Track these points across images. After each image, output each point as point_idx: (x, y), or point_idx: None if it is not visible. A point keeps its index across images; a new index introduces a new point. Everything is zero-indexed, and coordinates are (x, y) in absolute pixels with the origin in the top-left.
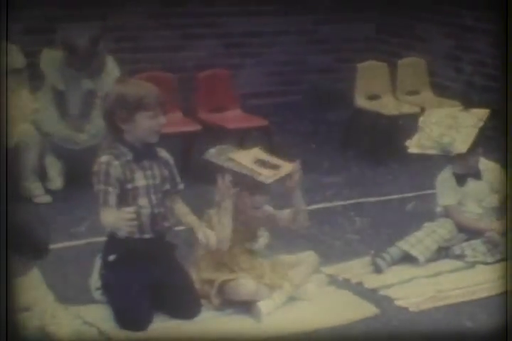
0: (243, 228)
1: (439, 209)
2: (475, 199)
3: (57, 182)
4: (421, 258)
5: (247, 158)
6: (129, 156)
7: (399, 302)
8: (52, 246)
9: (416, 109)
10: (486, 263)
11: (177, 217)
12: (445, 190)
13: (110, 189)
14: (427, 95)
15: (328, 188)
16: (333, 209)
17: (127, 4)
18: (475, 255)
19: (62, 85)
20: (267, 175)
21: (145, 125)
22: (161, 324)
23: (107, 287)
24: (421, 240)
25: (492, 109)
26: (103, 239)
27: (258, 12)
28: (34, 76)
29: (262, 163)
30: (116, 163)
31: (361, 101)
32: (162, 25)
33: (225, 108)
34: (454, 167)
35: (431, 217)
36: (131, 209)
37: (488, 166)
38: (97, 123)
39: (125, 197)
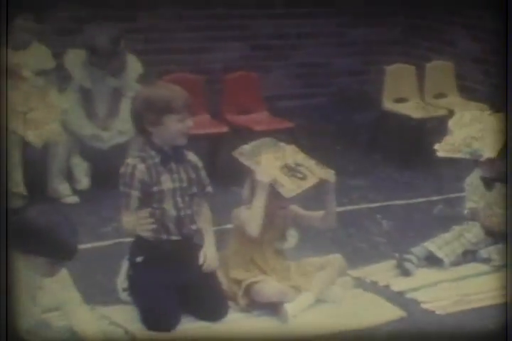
0: (272, 228)
1: (466, 213)
2: (503, 203)
3: (84, 182)
4: (446, 260)
5: (275, 163)
6: (157, 159)
7: (425, 306)
8: (79, 247)
9: (443, 112)
10: None
11: (198, 221)
12: (473, 193)
13: (133, 192)
14: (455, 98)
15: (355, 191)
16: (359, 211)
17: (156, 6)
18: (502, 259)
19: (89, 83)
20: (289, 189)
21: (173, 128)
22: (187, 325)
23: (134, 288)
24: (448, 242)
25: None
26: (130, 239)
27: (285, 14)
28: (62, 77)
29: (290, 170)
30: (141, 165)
31: (389, 104)
32: (189, 27)
33: (251, 110)
34: (481, 171)
35: (458, 220)
36: (146, 211)
37: None
38: (123, 121)
39: (150, 200)
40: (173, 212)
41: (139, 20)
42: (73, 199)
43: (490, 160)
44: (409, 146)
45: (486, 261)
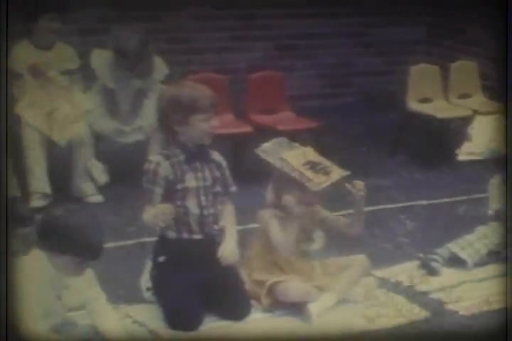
0: (298, 229)
1: (490, 213)
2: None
3: (107, 182)
4: (469, 261)
5: (298, 160)
6: (181, 157)
7: (449, 306)
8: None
9: (468, 113)
10: None
11: (221, 219)
12: (497, 194)
13: (156, 189)
14: (479, 98)
15: (379, 191)
16: (383, 212)
17: (180, 6)
18: None
19: (113, 84)
20: (316, 182)
21: (199, 127)
22: (210, 324)
23: (157, 287)
24: (471, 243)
25: None
26: (154, 239)
27: (309, 14)
28: (86, 76)
29: (313, 166)
30: (166, 163)
31: (413, 104)
32: (214, 27)
33: (276, 110)
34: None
35: (482, 220)
36: (165, 205)
37: None
38: (144, 118)
39: (173, 198)
40: (196, 211)
41: (163, 21)
42: (97, 198)
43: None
44: (433, 147)
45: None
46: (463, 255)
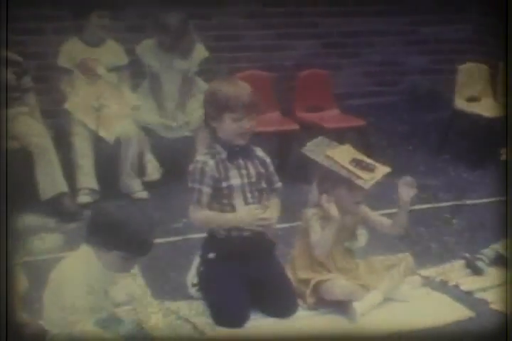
0: (342, 227)
1: None
2: None
3: (154, 177)
4: None
5: (343, 157)
6: (224, 155)
7: (494, 306)
8: None
9: None
10: None
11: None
12: None
13: (204, 189)
14: None
15: (425, 190)
16: (429, 211)
17: (228, 4)
18: None
19: (158, 65)
20: (365, 179)
21: (230, 126)
22: (256, 321)
23: (204, 284)
24: None
25: None
26: (200, 235)
27: (357, 12)
28: (135, 73)
29: (358, 163)
30: (211, 161)
31: (460, 103)
32: (261, 24)
33: (322, 107)
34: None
35: None
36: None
37: None
38: (191, 112)
39: (220, 196)
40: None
41: (211, 18)
42: (143, 194)
43: None
44: (480, 146)
45: None
46: (509, 255)
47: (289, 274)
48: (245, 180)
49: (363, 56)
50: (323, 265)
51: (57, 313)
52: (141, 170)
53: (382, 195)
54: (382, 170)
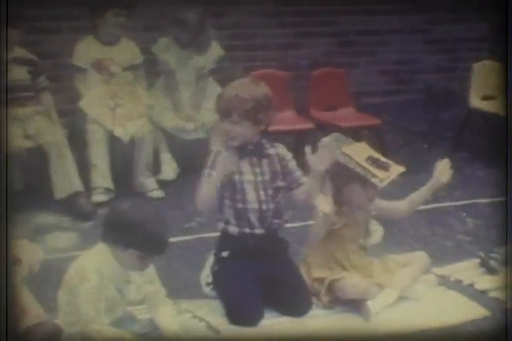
0: (355, 224)
1: None
2: None
3: (170, 176)
4: None
5: (359, 155)
6: (237, 151)
7: (510, 305)
8: None
9: None
10: None
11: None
12: None
13: (214, 173)
14: None
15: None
16: (444, 209)
17: (243, 3)
18: None
19: (174, 62)
20: (381, 178)
21: (224, 128)
22: (271, 320)
23: (219, 283)
24: None
25: None
26: (214, 234)
27: (372, 11)
28: (150, 72)
29: (374, 162)
30: (225, 153)
31: (476, 102)
32: (276, 23)
33: (338, 106)
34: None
35: None
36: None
37: None
38: (205, 113)
39: (233, 191)
40: (254, 205)
41: (226, 17)
42: (159, 193)
43: None
44: (495, 144)
45: None
46: None
47: (303, 273)
48: (258, 178)
49: (379, 54)
50: (339, 262)
51: (73, 312)
52: (156, 169)
53: (396, 193)
54: (397, 169)
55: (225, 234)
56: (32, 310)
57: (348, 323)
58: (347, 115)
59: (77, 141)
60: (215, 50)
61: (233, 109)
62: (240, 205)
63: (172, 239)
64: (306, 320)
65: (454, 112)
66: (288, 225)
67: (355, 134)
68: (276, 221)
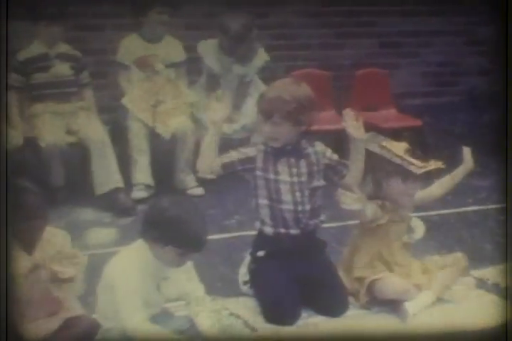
0: (397, 220)
1: None
2: None
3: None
4: None
5: (398, 148)
6: (274, 152)
7: None
8: None
9: None
10: None
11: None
12: None
13: (233, 152)
14: None
15: (480, 191)
16: (484, 212)
17: (287, 3)
18: None
19: (218, 68)
20: (418, 166)
21: (263, 128)
22: (307, 319)
23: (255, 281)
24: None
25: None
26: (252, 232)
27: (415, 12)
28: (192, 70)
29: (413, 153)
30: (260, 154)
31: None
32: (320, 23)
33: (379, 107)
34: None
35: None
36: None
37: None
38: (247, 114)
39: (269, 191)
40: (290, 206)
41: (270, 17)
42: (199, 190)
43: None
44: None
45: None
46: None
47: (343, 272)
48: (295, 179)
49: (421, 56)
50: (384, 260)
51: (111, 307)
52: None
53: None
54: (435, 163)
55: (260, 233)
56: (69, 305)
57: (385, 324)
58: (388, 116)
59: (119, 138)
60: (261, 58)
61: (275, 111)
62: (275, 205)
63: (211, 237)
64: (343, 320)
65: (496, 115)
66: (327, 225)
67: (395, 135)
68: (312, 221)
